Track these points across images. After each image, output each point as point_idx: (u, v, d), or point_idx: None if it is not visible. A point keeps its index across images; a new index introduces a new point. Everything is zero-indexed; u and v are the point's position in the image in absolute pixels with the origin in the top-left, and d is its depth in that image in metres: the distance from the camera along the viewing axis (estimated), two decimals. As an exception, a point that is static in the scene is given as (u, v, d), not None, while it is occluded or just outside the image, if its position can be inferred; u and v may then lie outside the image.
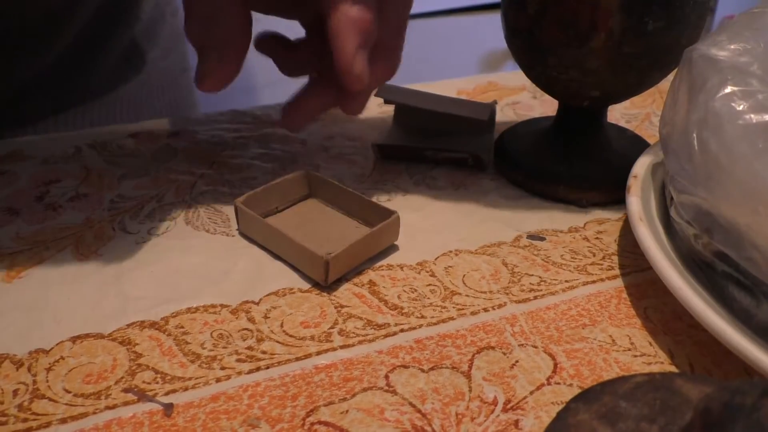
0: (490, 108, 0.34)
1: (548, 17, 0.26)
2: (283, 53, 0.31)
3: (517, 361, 0.21)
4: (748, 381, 0.13)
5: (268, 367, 0.21)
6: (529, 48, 0.27)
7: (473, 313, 0.23)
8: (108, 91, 0.45)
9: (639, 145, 0.31)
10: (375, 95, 0.33)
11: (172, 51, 0.49)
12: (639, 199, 0.25)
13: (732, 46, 0.24)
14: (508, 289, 0.25)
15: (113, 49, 0.44)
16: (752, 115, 0.19)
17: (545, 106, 0.41)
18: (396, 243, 0.27)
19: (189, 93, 0.52)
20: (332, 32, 0.25)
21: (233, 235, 0.28)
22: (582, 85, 0.27)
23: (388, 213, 0.26)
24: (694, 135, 0.21)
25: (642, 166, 0.27)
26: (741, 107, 0.20)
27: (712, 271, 0.21)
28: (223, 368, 0.21)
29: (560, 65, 0.27)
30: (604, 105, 0.30)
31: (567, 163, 0.30)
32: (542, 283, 0.25)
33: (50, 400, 0.20)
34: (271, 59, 0.31)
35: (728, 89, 0.21)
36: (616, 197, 0.29)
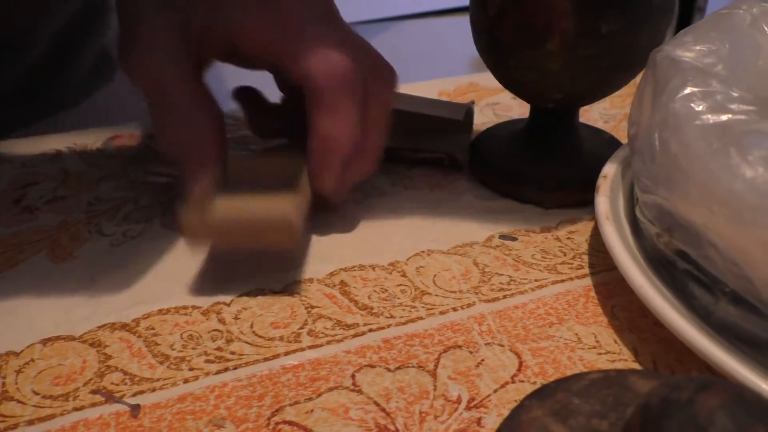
0: (466, 108, 0.34)
1: (506, 19, 0.26)
2: (255, 114, 0.31)
3: (482, 360, 0.22)
4: (686, 376, 0.13)
5: (236, 368, 0.21)
6: (492, 49, 0.28)
7: (442, 313, 0.24)
8: (80, 100, 0.45)
9: (614, 148, 0.31)
10: None
11: None
12: (607, 199, 0.25)
13: (697, 47, 0.24)
14: (477, 289, 0.25)
15: (84, 59, 0.44)
16: (709, 116, 0.20)
17: (524, 106, 0.41)
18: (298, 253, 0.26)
19: None
20: (312, 148, 0.25)
21: (208, 237, 0.28)
22: (543, 87, 0.27)
23: (285, 220, 0.23)
24: (656, 135, 0.22)
25: (612, 166, 0.28)
26: (699, 108, 0.20)
27: (674, 269, 0.22)
28: (191, 369, 0.21)
29: (520, 67, 0.27)
30: (570, 107, 0.30)
31: (534, 164, 0.30)
32: (512, 282, 0.25)
33: (18, 402, 0.20)
34: (245, 113, 0.31)
35: (688, 90, 0.21)
36: (580, 199, 0.29)
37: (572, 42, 0.25)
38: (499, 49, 0.27)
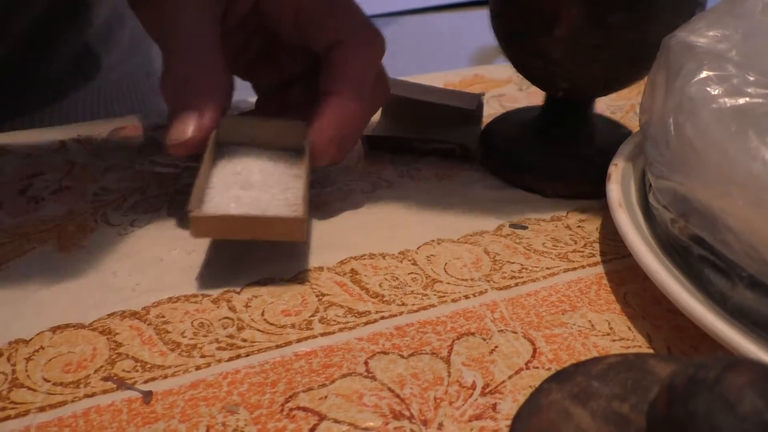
0: (478, 98, 0.34)
1: (516, 3, 0.26)
2: None
3: (496, 347, 0.21)
4: (712, 356, 0.13)
5: (248, 355, 0.21)
6: (502, 33, 0.28)
7: (454, 300, 0.23)
8: (57, 99, 0.43)
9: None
10: None
11: (133, 55, 0.47)
12: (619, 186, 0.25)
13: (710, 33, 0.24)
14: (489, 277, 0.25)
15: (61, 56, 0.42)
16: (726, 99, 0.20)
17: (531, 98, 0.41)
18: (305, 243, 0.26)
19: (153, 97, 0.49)
20: (325, 121, 0.25)
21: (216, 226, 0.28)
22: (549, 74, 0.27)
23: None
24: (671, 120, 0.21)
25: (623, 154, 0.28)
26: (716, 91, 0.20)
27: (689, 255, 0.21)
28: (203, 356, 0.21)
29: (526, 53, 0.27)
30: (580, 97, 0.30)
31: (540, 152, 0.30)
32: (523, 270, 0.25)
33: (29, 389, 0.20)
34: None
35: (704, 74, 0.21)
36: (581, 190, 0.29)
37: (578, 30, 0.25)
38: (510, 34, 0.27)
